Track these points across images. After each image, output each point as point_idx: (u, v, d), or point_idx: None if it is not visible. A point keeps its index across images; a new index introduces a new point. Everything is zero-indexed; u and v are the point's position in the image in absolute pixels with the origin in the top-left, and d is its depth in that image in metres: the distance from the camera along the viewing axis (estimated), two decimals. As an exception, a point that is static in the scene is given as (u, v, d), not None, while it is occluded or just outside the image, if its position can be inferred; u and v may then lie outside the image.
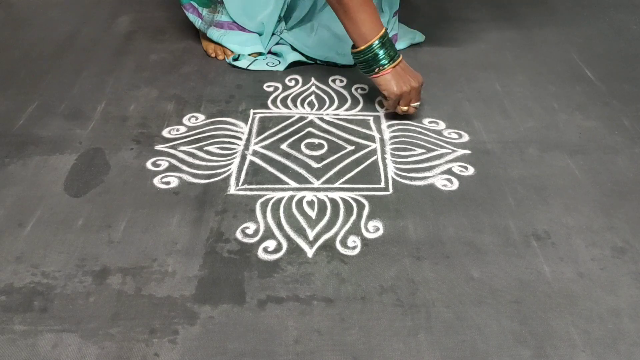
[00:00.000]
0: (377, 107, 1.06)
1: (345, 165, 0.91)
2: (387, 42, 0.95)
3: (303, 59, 1.18)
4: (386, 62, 0.95)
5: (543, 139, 0.97)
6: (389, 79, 0.96)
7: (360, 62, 0.97)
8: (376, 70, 0.96)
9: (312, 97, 1.09)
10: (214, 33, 1.20)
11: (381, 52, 0.94)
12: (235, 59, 1.18)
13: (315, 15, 1.20)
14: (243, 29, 1.20)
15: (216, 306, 0.69)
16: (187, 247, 0.76)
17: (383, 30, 0.95)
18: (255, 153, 0.94)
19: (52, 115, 1.02)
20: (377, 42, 0.94)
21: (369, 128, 1.00)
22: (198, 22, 1.21)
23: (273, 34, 1.20)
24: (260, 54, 1.20)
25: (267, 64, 1.18)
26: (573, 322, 0.67)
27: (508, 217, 0.82)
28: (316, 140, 0.97)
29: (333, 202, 0.84)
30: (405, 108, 0.99)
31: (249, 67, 1.17)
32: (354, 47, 0.97)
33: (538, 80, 1.15)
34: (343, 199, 0.85)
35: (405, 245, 0.77)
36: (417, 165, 0.92)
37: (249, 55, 1.19)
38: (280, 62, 1.18)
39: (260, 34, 1.21)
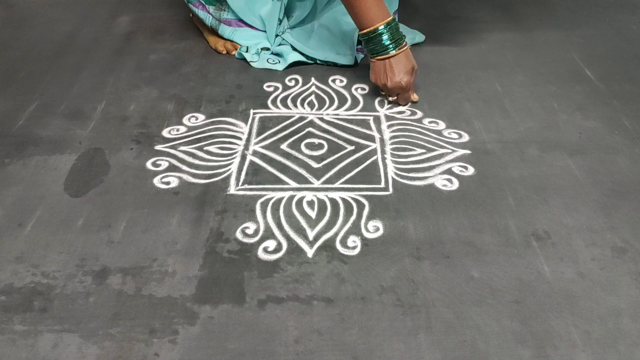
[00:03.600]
0: (377, 107, 1.06)
1: (345, 165, 0.91)
2: (392, 30, 1.00)
3: (303, 59, 1.18)
4: (382, 51, 1.00)
5: (543, 139, 0.97)
6: (371, 67, 1.05)
7: (365, 44, 1.03)
8: (369, 55, 1.04)
9: (312, 97, 1.09)
10: (225, 30, 1.21)
11: (384, 39, 0.99)
12: (244, 51, 1.19)
13: (316, 15, 1.20)
14: (251, 26, 1.21)
15: (216, 306, 0.69)
16: (187, 247, 0.76)
17: (390, 19, 1.00)
18: (255, 153, 0.94)
19: (52, 115, 1.02)
20: (382, 27, 0.99)
21: (369, 128, 1.00)
22: (209, 19, 1.21)
23: (277, 35, 1.21)
24: (268, 49, 1.20)
25: (267, 60, 1.18)
26: (573, 322, 0.67)
27: (508, 217, 0.82)
28: (316, 140, 0.97)
29: (333, 202, 0.84)
30: (391, 98, 1.06)
31: (252, 64, 1.17)
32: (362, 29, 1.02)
33: (538, 80, 1.15)
34: (343, 199, 0.85)
35: (405, 245, 0.77)
36: (417, 165, 0.92)
37: (260, 49, 1.20)
38: (280, 62, 1.18)
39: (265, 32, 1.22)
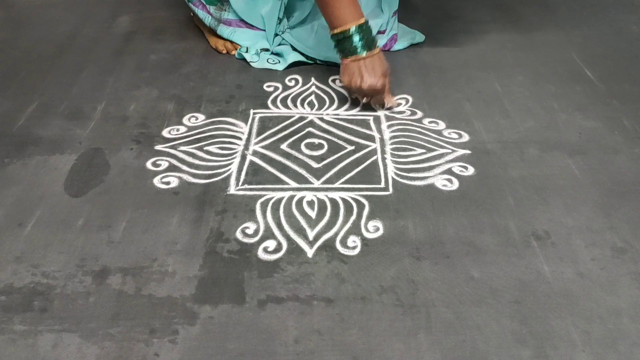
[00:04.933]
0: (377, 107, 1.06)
1: (345, 165, 0.91)
2: (364, 32, 0.98)
3: (303, 58, 1.18)
4: (353, 52, 0.99)
5: (543, 139, 0.97)
6: (342, 69, 1.02)
7: (336, 44, 1.01)
8: (340, 56, 1.02)
9: (312, 97, 1.09)
10: (224, 30, 1.21)
11: (354, 41, 0.98)
12: (244, 52, 1.20)
13: (317, 16, 1.20)
14: (251, 26, 1.21)
15: (216, 306, 0.69)
16: (187, 247, 0.76)
17: (363, 21, 0.98)
18: (255, 153, 0.94)
19: (52, 115, 1.02)
20: (353, 28, 0.97)
21: (369, 128, 1.00)
22: (208, 19, 1.22)
23: (277, 34, 1.21)
24: (267, 50, 1.21)
25: (267, 60, 1.18)
26: (573, 322, 0.67)
27: (508, 217, 0.82)
28: (316, 140, 0.97)
29: (333, 202, 0.84)
30: (365, 100, 1.03)
31: (252, 64, 1.18)
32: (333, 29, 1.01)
33: (538, 80, 1.15)
34: (343, 199, 0.85)
35: (405, 245, 0.77)
36: (417, 165, 0.92)
37: (260, 49, 1.20)
38: (280, 62, 1.18)
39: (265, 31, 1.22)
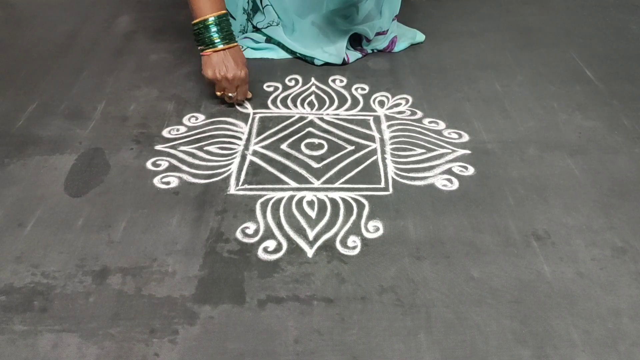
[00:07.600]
0: (377, 107, 1.06)
1: (345, 165, 0.91)
2: (222, 24, 0.98)
3: (286, 54, 1.20)
4: (212, 43, 0.98)
5: (543, 139, 0.97)
6: (204, 62, 1.00)
7: (194, 35, 1.00)
8: (201, 47, 1.00)
9: (312, 97, 1.09)
10: None
11: (212, 32, 0.98)
12: None
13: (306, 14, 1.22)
14: (232, 16, 1.24)
15: (216, 306, 0.69)
16: (187, 247, 0.76)
17: (222, 12, 0.99)
18: (255, 153, 0.94)
19: (52, 115, 1.02)
20: (212, 19, 0.97)
21: (369, 128, 1.00)
22: None
23: (261, 29, 1.23)
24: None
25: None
26: (573, 322, 0.67)
27: (508, 217, 0.82)
28: (316, 140, 0.97)
29: (333, 202, 0.84)
30: (218, 94, 1.03)
31: None
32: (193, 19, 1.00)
33: (538, 80, 1.15)
34: (343, 199, 0.85)
35: (405, 245, 0.77)
36: (417, 165, 0.92)
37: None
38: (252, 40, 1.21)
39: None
